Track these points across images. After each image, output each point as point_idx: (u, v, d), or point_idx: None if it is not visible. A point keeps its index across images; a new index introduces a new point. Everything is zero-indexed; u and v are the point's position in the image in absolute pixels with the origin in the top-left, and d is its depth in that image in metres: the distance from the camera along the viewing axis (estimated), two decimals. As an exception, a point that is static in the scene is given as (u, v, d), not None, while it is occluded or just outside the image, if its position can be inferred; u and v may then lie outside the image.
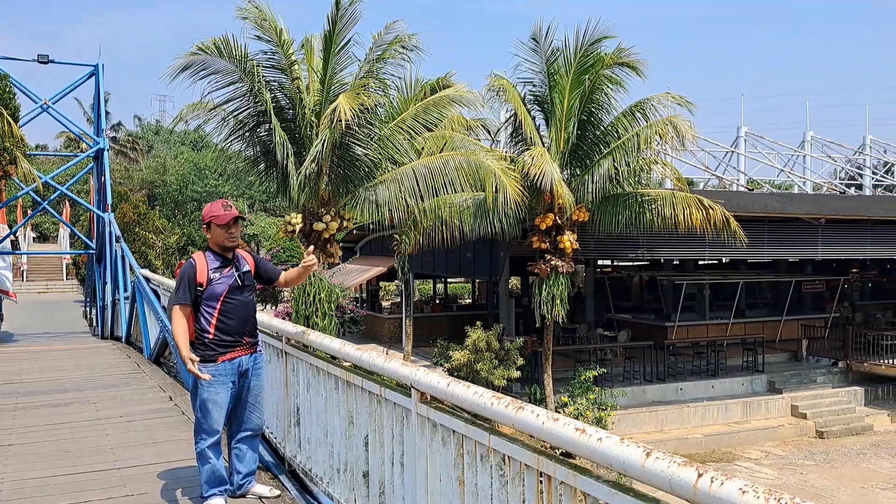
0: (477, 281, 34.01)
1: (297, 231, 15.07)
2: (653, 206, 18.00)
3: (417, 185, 14.89)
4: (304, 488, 5.46)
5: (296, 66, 14.37)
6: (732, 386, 23.12)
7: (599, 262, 29.90)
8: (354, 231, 28.25)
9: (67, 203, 41.81)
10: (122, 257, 19.23)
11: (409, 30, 14.47)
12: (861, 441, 21.60)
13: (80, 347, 16.16)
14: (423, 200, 15.43)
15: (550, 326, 19.05)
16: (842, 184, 43.15)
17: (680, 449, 19.29)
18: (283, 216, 16.84)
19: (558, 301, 18.33)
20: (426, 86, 18.01)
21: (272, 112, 14.05)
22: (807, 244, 23.30)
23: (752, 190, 35.24)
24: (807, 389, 23.58)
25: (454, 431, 3.41)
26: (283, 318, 10.35)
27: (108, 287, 21.04)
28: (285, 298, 29.28)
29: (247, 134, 14.81)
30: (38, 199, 26.48)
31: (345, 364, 4.80)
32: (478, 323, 19.94)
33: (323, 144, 13.75)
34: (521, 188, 16.55)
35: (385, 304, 33.42)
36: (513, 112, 18.77)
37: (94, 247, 25.86)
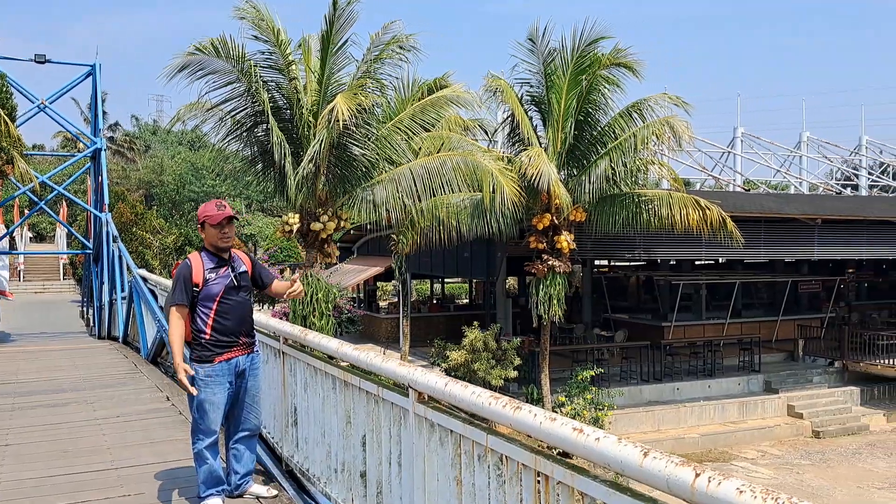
0: (474, 281, 34.02)
1: (295, 231, 15.06)
2: (650, 206, 18.02)
3: (415, 185, 14.88)
4: (302, 488, 5.46)
5: (293, 67, 14.37)
6: (729, 386, 23.15)
7: (596, 263, 29.92)
8: (352, 231, 28.32)
9: (64, 203, 41.78)
10: (120, 257, 19.23)
11: (408, 30, 14.47)
12: (857, 441, 21.65)
13: (77, 347, 16.15)
14: (420, 201, 15.43)
15: (547, 326, 19.07)
16: (838, 184, 43.22)
17: (676, 449, 19.31)
18: (281, 216, 16.85)
19: (555, 301, 18.34)
20: (423, 86, 18.02)
21: (269, 112, 14.04)
22: (803, 244, 23.35)
23: (749, 190, 35.30)
24: (803, 389, 23.62)
25: (452, 431, 3.42)
26: (281, 318, 10.34)
27: (105, 287, 21.03)
28: (283, 298, 29.24)
29: (244, 134, 14.80)
30: (35, 199, 26.45)
31: (342, 364, 4.80)
32: (475, 323, 19.95)
33: (320, 144, 13.75)
34: (518, 188, 16.55)
35: (382, 304, 33.43)
36: (510, 112, 18.78)
37: (91, 247, 25.84)
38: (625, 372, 22.59)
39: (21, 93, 23.37)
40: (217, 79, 13.92)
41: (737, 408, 22.33)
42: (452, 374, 18.08)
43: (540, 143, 18.51)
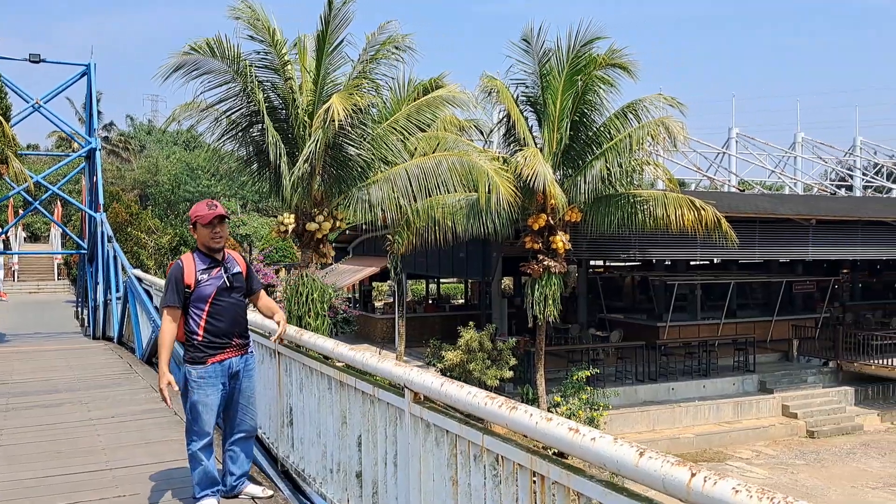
0: (470, 281, 34.03)
1: (290, 231, 15.04)
2: (645, 206, 18.05)
3: (410, 185, 14.87)
4: (297, 488, 5.45)
5: (289, 66, 14.35)
6: (724, 386, 23.19)
7: (592, 263, 29.96)
8: (347, 231, 28.26)
9: (59, 203, 41.67)
10: (114, 257, 19.19)
11: (408, 30, 14.49)
12: (851, 440, 21.71)
13: (72, 348, 16.10)
14: (415, 201, 15.42)
15: (543, 326, 19.08)
16: (832, 185, 43.32)
17: (671, 449, 19.34)
18: (276, 216, 16.83)
19: (551, 301, 18.36)
20: (419, 86, 18.01)
21: (265, 112, 14.02)
22: (797, 245, 23.42)
23: (744, 191, 35.37)
24: (797, 389, 23.68)
25: (447, 431, 3.42)
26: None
27: (100, 287, 20.98)
28: (278, 299, 29.23)
29: (239, 134, 14.77)
30: (30, 199, 26.40)
31: (338, 364, 4.80)
32: (470, 323, 19.96)
33: (316, 144, 13.73)
34: (513, 189, 16.56)
35: (378, 304, 33.40)
36: (506, 113, 18.79)
37: (85, 247, 25.79)
38: (620, 372, 22.62)
39: (16, 92, 23.33)
40: (212, 79, 13.90)
41: (731, 408, 22.37)
42: (448, 374, 18.08)
43: (535, 144, 18.53)
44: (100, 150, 24.95)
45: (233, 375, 4.98)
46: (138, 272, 14.41)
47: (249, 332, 5.23)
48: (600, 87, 18.36)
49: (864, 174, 45.74)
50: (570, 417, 15.23)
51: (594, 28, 17.97)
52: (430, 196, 15.68)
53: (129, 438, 7.00)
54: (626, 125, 18.46)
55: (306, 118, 14.45)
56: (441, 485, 3.49)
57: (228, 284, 4.94)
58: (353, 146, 14.47)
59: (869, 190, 45.10)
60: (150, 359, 12.01)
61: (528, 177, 16.80)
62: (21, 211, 39.03)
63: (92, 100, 25.57)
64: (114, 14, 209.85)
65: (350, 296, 32.97)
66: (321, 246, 15.31)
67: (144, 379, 10.51)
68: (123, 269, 17.11)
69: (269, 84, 14.56)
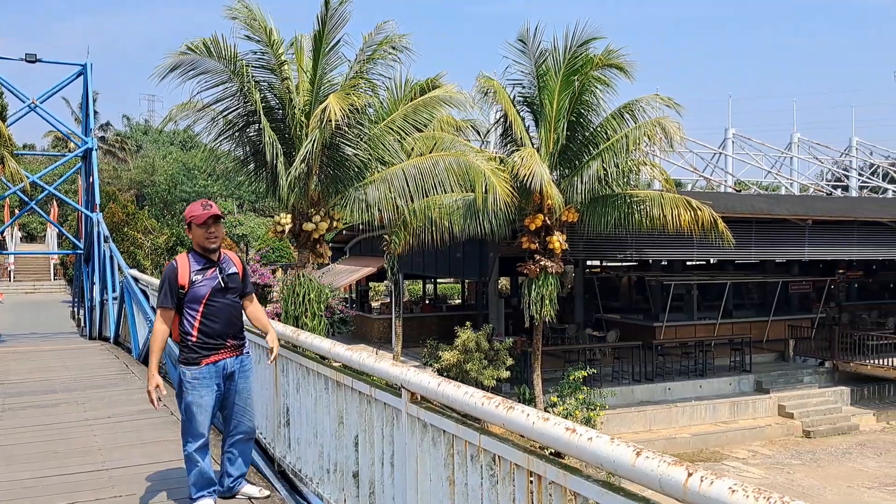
0: (466, 281, 34.03)
1: (287, 231, 15.04)
2: (641, 206, 18.07)
3: (407, 185, 14.88)
4: (294, 488, 5.45)
5: (285, 67, 14.34)
6: (720, 386, 23.22)
7: (588, 263, 29.98)
8: (344, 231, 28.22)
9: (55, 203, 41.63)
10: (111, 257, 19.15)
11: (406, 30, 14.50)
12: (847, 440, 21.75)
13: (68, 348, 16.07)
14: (412, 201, 15.43)
15: (539, 327, 19.09)
16: (828, 185, 43.41)
17: (668, 448, 19.36)
18: (273, 216, 16.81)
19: (547, 301, 18.37)
20: (416, 86, 18.01)
21: (262, 112, 14.02)
22: (794, 245, 23.46)
23: (740, 191, 35.42)
24: (794, 389, 23.71)
25: (444, 431, 3.42)
26: (273, 319, 10.32)
27: (97, 287, 20.93)
28: (275, 299, 29.20)
29: (236, 134, 14.77)
30: (26, 199, 26.34)
31: (335, 364, 4.80)
32: (467, 323, 19.95)
33: (313, 144, 13.73)
34: (510, 189, 16.57)
35: (375, 304, 33.40)
36: (503, 113, 18.79)
37: (81, 247, 25.73)
38: (616, 372, 22.64)
39: (11, 92, 23.30)
40: (209, 79, 13.90)
41: (728, 408, 22.40)
42: (445, 374, 18.08)
43: (532, 144, 18.54)
44: (96, 149, 24.89)
45: (228, 376, 4.96)
46: (135, 272, 14.38)
47: (245, 333, 5.22)
48: (597, 88, 18.37)
49: (859, 174, 45.86)
50: (566, 417, 15.23)
51: (591, 28, 18.00)
52: (426, 196, 15.69)
53: (126, 439, 6.99)
54: (622, 125, 18.48)
55: (303, 118, 14.45)
56: (438, 485, 3.49)
57: (223, 285, 4.91)
58: (349, 146, 14.47)
59: (865, 190, 45.21)
60: (147, 359, 11.97)
61: (524, 177, 16.81)
62: (17, 211, 38.99)
63: (88, 100, 25.51)
64: (113, 14, 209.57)
65: (347, 296, 32.94)
66: (318, 246, 15.31)
67: (141, 379, 10.49)
68: (120, 269, 17.07)
69: (265, 84, 14.57)
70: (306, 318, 14.48)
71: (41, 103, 23.69)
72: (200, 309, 4.85)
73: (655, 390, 22.28)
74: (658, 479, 2.21)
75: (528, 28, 18.21)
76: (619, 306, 29.10)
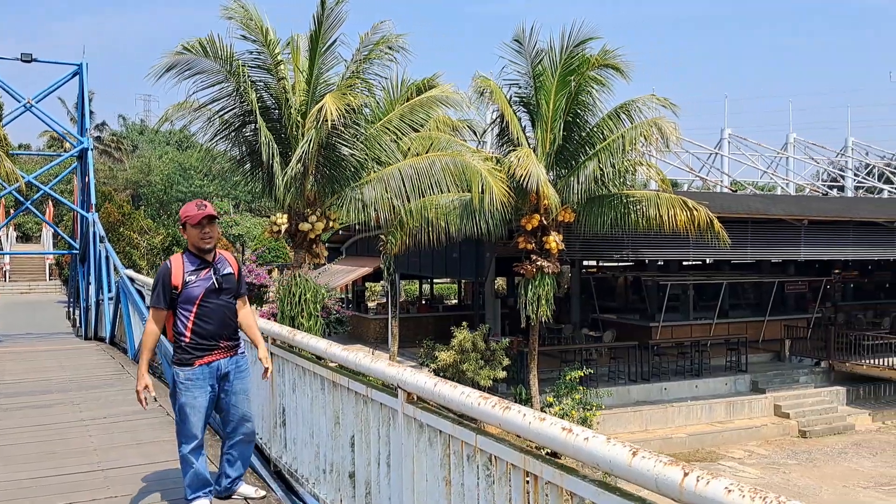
0: (463, 281, 34.03)
1: (283, 231, 15.02)
2: (637, 207, 18.08)
3: (403, 185, 14.87)
4: (290, 489, 5.45)
5: (282, 66, 14.33)
6: (716, 386, 23.25)
7: (585, 263, 30.00)
8: (340, 231, 28.26)
9: (51, 203, 41.57)
10: (107, 257, 19.14)
11: (406, 30, 14.50)
12: (843, 440, 21.79)
13: (64, 348, 16.05)
14: (409, 201, 15.42)
15: (536, 327, 19.09)
16: (824, 185, 43.48)
17: (664, 448, 19.38)
18: (269, 216, 16.80)
19: (544, 301, 18.37)
20: (412, 86, 18.01)
21: (258, 112, 14.00)
22: (789, 245, 23.50)
23: (736, 191, 35.48)
24: (789, 389, 23.76)
25: (441, 431, 3.42)
26: (269, 319, 10.31)
27: (92, 287, 20.91)
28: (271, 299, 29.18)
29: (232, 134, 14.74)
30: (21, 199, 26.30)
31: (331, 364, 4.80)
32: (464, 323, 19.95)
33: (309, 144, 13.72)
34: (507, 189, 16.57)
35: (371, 304, 33.39)
36: (499, 113, 18.79)
37: (77, 247, 25.69)
38: (613, 372, 22.66)
39: (7, 92, 23.26)
40: (205, 78, 13.87)
41: (724, 408, 22.43)
42: (441, 374, 18.07)
43: (529, 144, 18.54)
44: (92, 149, 24.86)
45: (223, 377, 4.93)
46: (130, 272, 14.38)
47: (240, 333, 5.19)
48: (593, 88, 18.38)
49: (855, 175, 45.93)
50: (563, 417, 15.23)
51: (587, 28, 17.99)
52: (423, 196, 15.68)
53: (122, 439, 6.98)
54: (619, 126, 18.48)
55: (299, 118, 14.43)
56: (434, 485, 3.49)
57: (217, 286, 4.88)
58: (346, 146, 14.46)
59: (860, 190, 45.27)
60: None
61: (521, 177, 16.80)
62: (12, 211, 38.89)
63: (84, 99, 25.47)
64: (113, 14, 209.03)
65: (343, 296, 32.92)
66: (314, 246, 15.30)
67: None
68: (115, 269, 17.06)
69: (262, 84, 14.55)
70: (302, 318, 14.47)
71: (37, 103, 23.65)
72: (194, 310, 4.82)
73: (652, 390, 22.30)
74: (654, 478, 2.21)
75: (524, 28, 18.22)
76: (616, 306, 29.13)
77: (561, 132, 18.47)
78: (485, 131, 22.11)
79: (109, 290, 17.85)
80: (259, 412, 6.10)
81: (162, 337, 5.14)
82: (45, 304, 39.17)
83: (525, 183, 16.94)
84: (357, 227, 22.67)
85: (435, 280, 36.19)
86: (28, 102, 23.31)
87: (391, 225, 18.00)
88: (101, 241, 20.60)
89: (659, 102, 18.27)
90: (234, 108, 14.41)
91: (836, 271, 31.58)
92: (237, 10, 13.69)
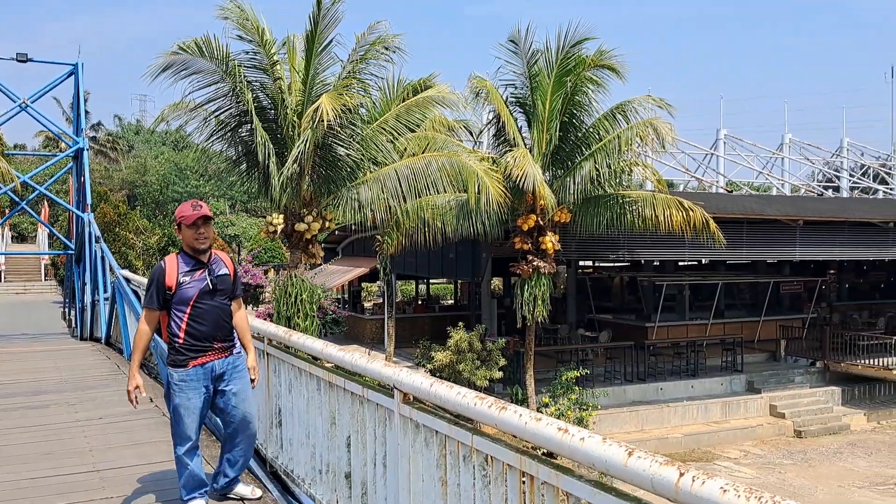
0: (459, 282, 34.04)
1: (279, 232, 15.00)
2: (633, 207, 18.11)
3: (400, 185, 14.86)
4: (286, 489, 5.44)
5: (278, 66, 14.31)
6: (712, 386, 23.29)
7: (581, 263, 30.03)
8: (336, 232, 28.22)
9: (46, 203, 41.41)
10: (102, 258, 19.07)
11: (404, 31, 14.49)
12: (838, 440, 21.84)
13: (60, 349, 16.01)
14: (405, 201, 15.41)
15: (532, 327, 19.10)
16: (819, 186, 43.58)
17: (660, 448, 19.39)
18: (265, 217, 16.78)
19: (540, 302, 18.39)
20: (409, 86, 18.01)
21: (254, 112, 13.98)
22: (785, 245, 23.54)
23: (731, 192, 35.54)
24: (785, 389, 23.80)
25: (437, 432, 3.42)
26: (265, 319, 10.30)
27: (88, 288, 20.85)
28: (267, 299, 29.16)
29: (228, 134, 14.72)
30: (17, 199, 26.21)
31: (327, 365, 4.79)
32: (460, 324, 19.96)
33: (305, 145, 13.70)
34: (503, 189, 16.58)
35: (367, 304, 33.37)
36: (496, 114, 18.81)
37: (73, 247, 25.62)
38: (609, 372, 22.68)
39: (2, 91, 23.18)
40: (201, 79, 13.85)
41: (720, 408, 22.47)
42: (437, 374, 18.07)
43: (525, 144, 18.55)
44: (87, 149, 24.79)
45: (218, 378, 4.90)
46: (126, 273, 14.34)
47: (235, 334, 5.14)
48: (589, 88, 18.41)
49: (850, 175, 46.03)
50: (559, 418, 15.22)
51: (583, 29, 18.04)
52: (419, 196, 15.68)
53: (118, 440, 6.97)
54: (615, 126, 18.51)
55: (295, 118, 14.42)
56: (430, 485, 3.49)
57: (211, 287, 4.85)
58: (342, 146, 14.45)
59: (856, 191, 45.40)
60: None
61: (517, 177, 16.82)
62: (7, 211, 38.74)
63: (79, 99, 25.40)
64: (113, 14, 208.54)
65: (339, 296, 32.92)
66: (310, 246, 15.28)
67: (132, 380, 10.44)
68: (111, 269, 17.01)
69: (258, 84, 14.53)
70: (298, 318, 14.46)
71: (32, 103, 23.57)
72: (188, 311, 4.79)
73: (647, 390, 22.33)
74: (650, 478, 2.21)
75: (520, 29, 18.25)
76: (612, 306, 29.16)
77: (557, 133, 18.48)
78: (481, 132, 22.11)
79: (105, 291, 17.80)
80: (255, 413, 6.10)
81: (158, 337, 5.13)
82: (40, 305, 39.06)
83: (521, 183, 16.95)
84: (353, 228, 22.62)
85: (431, 280, 36.18)
86: (23, 102, 23.23)
87: (387, 225, 17.99)
88: (96, 242, 20.53)
89: (655, 103, 18.30)
90: (230, 109, 14.38)
91: (832, 271, 31.67)
92: (233, 11, 13.67)
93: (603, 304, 28.99)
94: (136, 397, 4.81)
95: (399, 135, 15.46)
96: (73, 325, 25.72)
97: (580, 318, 27.66)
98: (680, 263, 29.32)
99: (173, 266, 4.82)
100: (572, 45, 18.03)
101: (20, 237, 59.83)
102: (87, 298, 20.66)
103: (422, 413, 3.55)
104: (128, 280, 13.39)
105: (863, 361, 24.32)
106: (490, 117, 19.86)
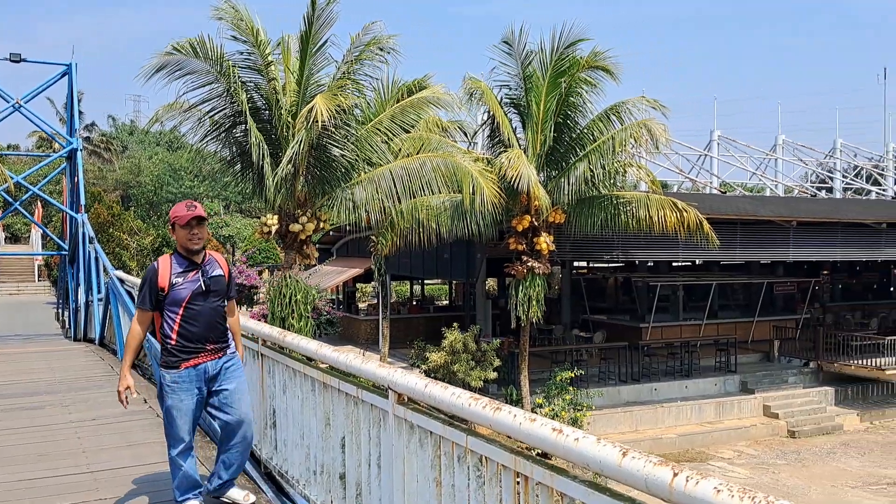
0: (454, 282, 34.04)
1: (273, 232, 15.00)
2: (628, 208, 18.14)
3: (394, 186, 14.87)
4: (281, 490, 5.44)
5: (272, 67, 14.31)
6: (706, 386, 23.33)
7: (575, 264, 30.07)
8: (331, 232, 28.21)
9: (39, 204, 41.33)
10: (96, 258, 19.04)
11: (401, 31, 14.49)
12: (831, 440, 21.91)
13: (53, 350, 15.96)
14: (400, 202, 15.41)
15: (527, 328, 19.12)
16: (812, 187, 43.71)
17: (654, 449, 19.43)
18: (259, 217, 16.76)
19: (534, 302, 18.39)
20: (403, 87, 18.00)
21: (248, 113, 13.97)
22: (778, 246, 23.61)
23: (725, 193, 35.63)
24: (778, 389, 23.86)
25: (431, 432, 3.42)
26: (259, 320, 10.30)
27: (81, 289, 20.80)
28: (261, 300, 29.11)
29: (222, 135, 14.71)
30: (10, 200, 26.15)
31: (321, 366, 4.79)
32: (454, 324, 19.95)
33: (299, 145, 13.70)
34: (497, 190, 16.59)
35: (362, 305, 33.36)
36: (490, 114, 18.82)
37: (66, 248, 25.56)
38: (603, 373, 22.71)
39: (-4, 92, 23.11)
40: (195, 79, 13.85)
41: (713, 408, 22.52)
42: (432, 375, 18.07)
43: (519, 145, 18.56)
44: (81, 150, 24.73)
45: (211, 379, 4.87)
46: (120, 273, 14.31)
47: (229, 336, 5.11)
48: (583, 89, 18.43)
49: (843, 176, 46.18)
50: (553, 418, 15.28)
51: (577, 30, 18.02)
52: (414, 197, 15.68)
53: (111, 441, 6.95)
54: (609, 127, 18.54)
55: (290, 119, 14.41)
56: (425, 486, 3.49)
57: (204, 288, 4.82)
58: (336, 147, 14.45)
59: (849, 192, 45.55)
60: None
61: (512, 178, 16.83)
62: (1, 212, 38.64)
63: (73, 100, 25.34)
64: (112, 14, 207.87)
65: (334, 297, 32.88)
66: (305, 247, 15.28)
67: (126, 381, 10.42)
68: (105, 270, 16.98)
69: (252, 85, 14.53)
70: (293, 319, 14.45)
71: (26, 103, 23.52)
72: (180, 312, 4.76)
73: (642, 391, 22.36)
74: (644, 479, 2.22)
75: (513, 30, 18.25)
76: (606, 307, 29.20)
77: (551, 133, 18.50)
78: (475, 132, 22.12)
79: (99, 292, 17.77)
80: (251, 414, 6.09)
81: (152, 338, 5.11)
82: (33, 306, 38.92)
83: (516, 184, 16.96)
84: (348, 228, 22.63)
85: (426, 281, 36.20)
86: (17, 103, 23.17)
87: (382, 226, 17.98)
88: (90, 242, 20.50)
89: (649, 104, 18.33)
90: (224, 109, 14.38)
91: (825, 272, 31.76)
92: (227, 11, 13.67)
93: (597, 305, 29.03)
94: (126, 398, 4.80)
95: (394, 135, 15.46)
96: (67, 325, 25.65)
97: (574, 319, 27.69)
98: (674, 264, 29.37)
99: (166, 267, 4.80)
100: (566, 47, 18.04)
101: (13, 238, 59.62)
102: (81, 299, 20.62)
103: (416, 414, 3.55)
104: (122, 281, 13.36)
105: (856, 362, 24.40)
106: (485, 118, 19.87)
